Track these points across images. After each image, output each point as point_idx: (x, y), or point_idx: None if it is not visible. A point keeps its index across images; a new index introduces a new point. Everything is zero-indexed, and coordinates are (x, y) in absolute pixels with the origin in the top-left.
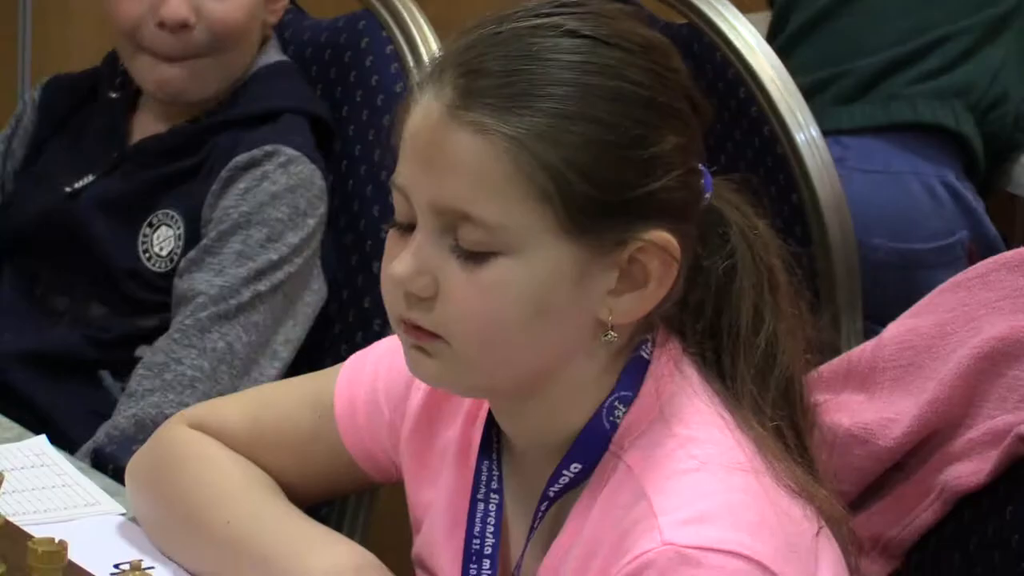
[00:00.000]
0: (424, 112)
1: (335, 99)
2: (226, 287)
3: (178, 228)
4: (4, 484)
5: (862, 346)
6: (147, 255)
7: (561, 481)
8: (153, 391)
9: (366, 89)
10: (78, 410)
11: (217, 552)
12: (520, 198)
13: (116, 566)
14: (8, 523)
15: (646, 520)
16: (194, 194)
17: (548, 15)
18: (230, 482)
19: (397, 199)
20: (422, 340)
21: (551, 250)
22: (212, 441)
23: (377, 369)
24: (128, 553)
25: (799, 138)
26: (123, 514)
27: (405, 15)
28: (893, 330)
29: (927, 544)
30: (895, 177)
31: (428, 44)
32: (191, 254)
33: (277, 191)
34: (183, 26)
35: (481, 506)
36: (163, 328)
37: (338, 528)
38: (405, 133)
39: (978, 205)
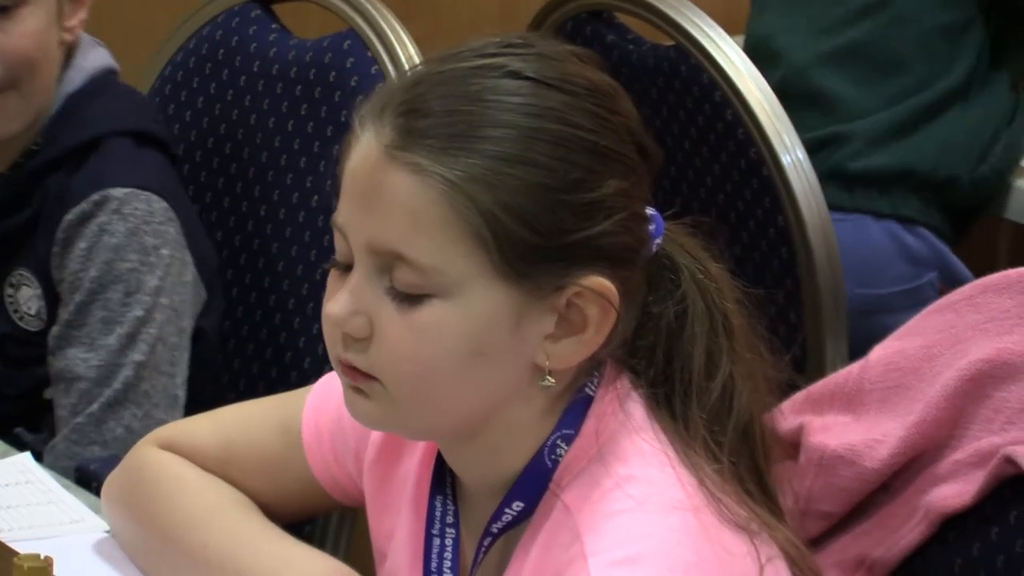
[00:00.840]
0: (364, 151)
1: (320, 118)
2: (103, 366)
3: (37, 288)
4: None
5: (848, 368)
6: (18, 316)
7: (504, 519)
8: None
9: (351, 109)
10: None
11: (192, 568)
12: (455, 240)
13: None
14: None
15: (579, 561)
16: (39, 250)
17: (493, 55)
18: (204, 503)
19: (337, 238)
20: (358, 381)
21: (486, 293)
22: (184, 462)
23: (332, 405)
24: (111, 571)
25: (785, 160)
26: (107, 531)
27: (390, 34)
28: (880, 352)
29: (912, 565)
30: (854, 222)
31: (413, 63)
32: (56, 330)
33: (119, 243)
34: None
35: (437, 541)
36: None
37: (321, 545)
38: (345, 171)
39: (944, 246)
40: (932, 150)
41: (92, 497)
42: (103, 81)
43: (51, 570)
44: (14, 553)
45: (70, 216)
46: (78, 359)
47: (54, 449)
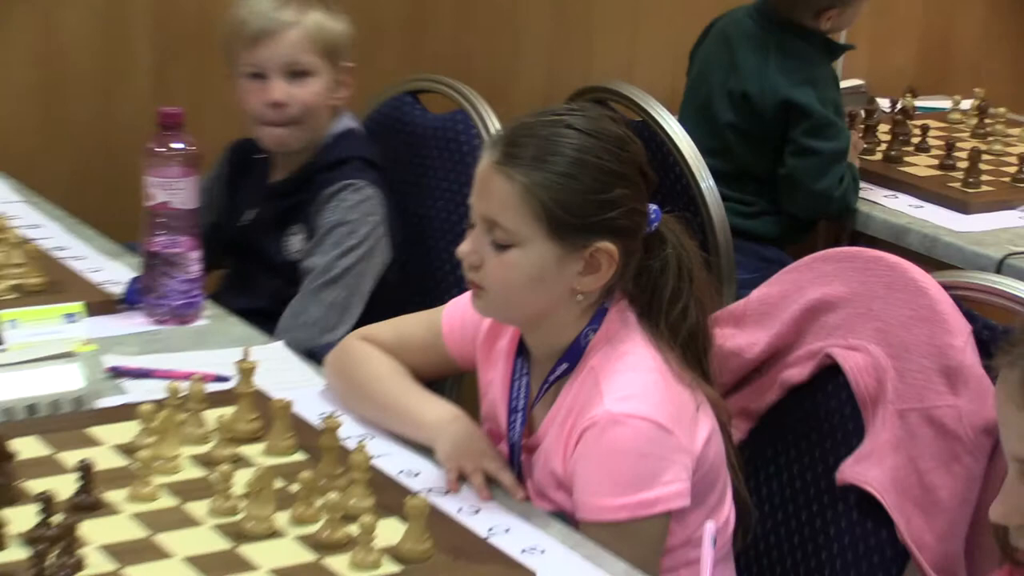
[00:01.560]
0: (484, 164)
1: (445, 159)
2: (327, 264)
3: (302, 235)
4: (255, 369)
5: (737, 303)
6: (288, 251)
7: (556, 373)
8: (290, 329)
9: (462, 153)
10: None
11: (376, 410)
12: (526, 217)
13: (320, 415)
14: (258, 392)
15: (597, 398)
16: (307, 215)
17: (558, 114)
18: (382, 371)
19: (471, 211)
20: (475, 289)
21: (542, 247)
22: (372, 347)
23: (464, 307)
24: (327, 408)
25: (704, 186)
26: (325, 386)
27: (482, 111)
28: (755, 293)
29: (768, 413)
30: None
31: (496, 127)
32: (307, 247)
33: (349, 206)
34: (281, 105)
35: (516, 384)
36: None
37: (444, 395)
38: (475, 175)
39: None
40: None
41: (317, 365)
42: (350, 131)
43: (290, 405)
44: (268, 399)
45: (329, 189)
46: (313, 261)
47: (291, 302)
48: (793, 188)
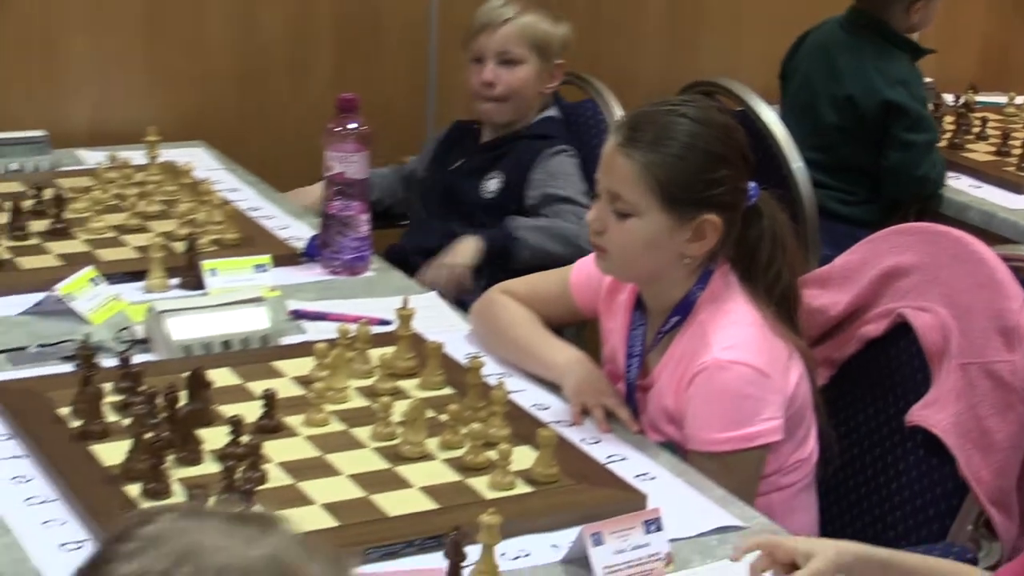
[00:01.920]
0: (609, 144)
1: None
2: (548, 197)
3: (500, 180)
4: (412, 316)
5: (823, 268)
6: (484, 193)
7: (669, 324)
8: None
9: (592, 134)
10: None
11: (513, 352)
12: (643, 192)
13: (466, 355)
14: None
15: (706, 347)
16: (506, 166)
17: (674, 105)
18: (518, 318)
19: (598, 183)
20: (599, 251)
21: (656, 217)
22: (511, 299)
23: (590, 265)
24: (471, 350)
25: (795, 167)
26: (470, 331)
27: (611, 103)
28: (838, 260)
29: (848, 363)
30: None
31: (619, 113)
32: (539, 199)
33: (559, 159)
34: (491, 84)
35: (635, 333)
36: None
37: (567, 341)
38: (602, 153)
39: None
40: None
41: (464, 314)
42: (553, 118)
43: (441, 346)
44: (423, 340)
45: (548, 151)
46: (552, 192)
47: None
48: (896, 177)
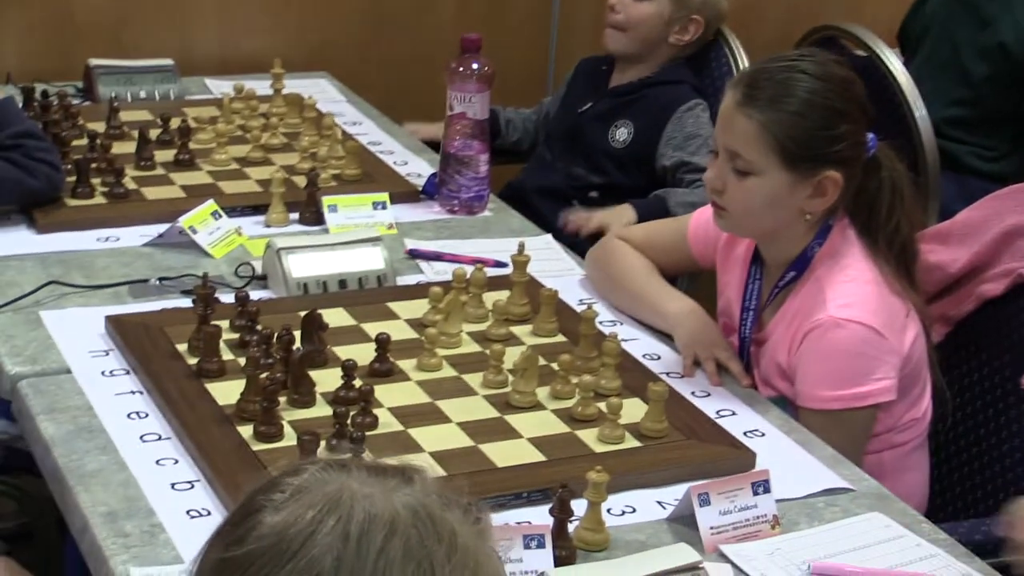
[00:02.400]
0: (726, 102)
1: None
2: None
3: (629, 130)
4: (528, 259)
5: (943, 223)
6: (612, 141)
7: (786, 279)
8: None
9: (713, 83)
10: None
11: (626, 299)
12: (764, 150)
13: (580, 301)
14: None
15: (822, 304)
16: (635, 114)
17: (791, 60)
18: (634, 265)
19: (715, 141)
20: (718, 209)
21: (777, 175)
22: (627, 245)
23: (708, 216)
24: (584, 295)
25: (918, 115)
26: (584, 275)
27: (736, 50)
28: (960, 216)
29: (964, 321)
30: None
31: (746, 65)
32: (675, 164)
33: (705, 121)
34: (615, 9)
35: (751, 286)
36: (609, 182)
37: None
38: (720, 110)
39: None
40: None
41: (579, 259)
42: (683, 64)
43: (555, 295)
44: (538, 286)
45: (684, 105)
46: (679, 156)
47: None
48: None
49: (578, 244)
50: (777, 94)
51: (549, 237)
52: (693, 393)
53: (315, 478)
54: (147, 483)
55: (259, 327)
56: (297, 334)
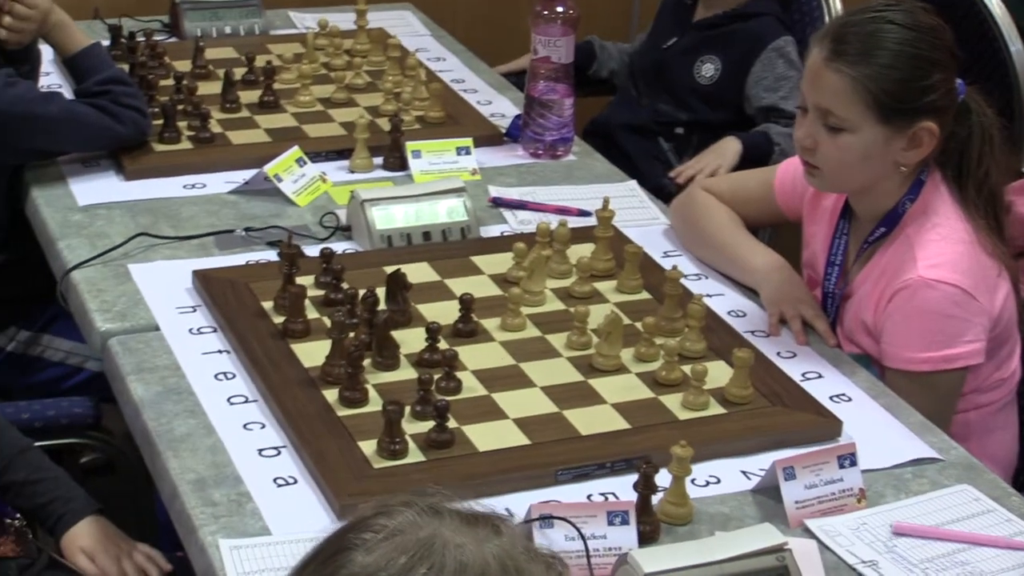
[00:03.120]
0: (813, 57)
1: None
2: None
3: (716, 66)
4: (611, 203)
5: None
6: (698, 77)
7: (875, 235)
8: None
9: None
10: (647, 156)
11: (711, 252)
12: (857, 106)
13: (664, 253)
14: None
15: (911, 263)
16: (724, 55)
17: (879, 10)
18: (720, 218)
19: (802, 96)
20: (809, 168)
21: (872, 130)
22: (712, 197)
23: (796, 167)
24: (669, 248)
25: (1013, 49)
26: (668, 225)
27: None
28: None
29: None
30: None
31: (838, 13)
32: (766, 106)
33: (790, 55)
34: None
35: (837, 241)
36: (695, 119)
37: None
38: (806, 65)
39: None
40: None
41: (663, 207)
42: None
43: (640, 253)
44: (623, 240)
45: (774, 44)
46: (772, 98)
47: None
48: None
49: (665, 187)
50: (866, 47)
51: (634, 184)
52: (779, 354)
53: (408, 521)
54: (235, 449)
55: (344, 286)
56: (381, 293)
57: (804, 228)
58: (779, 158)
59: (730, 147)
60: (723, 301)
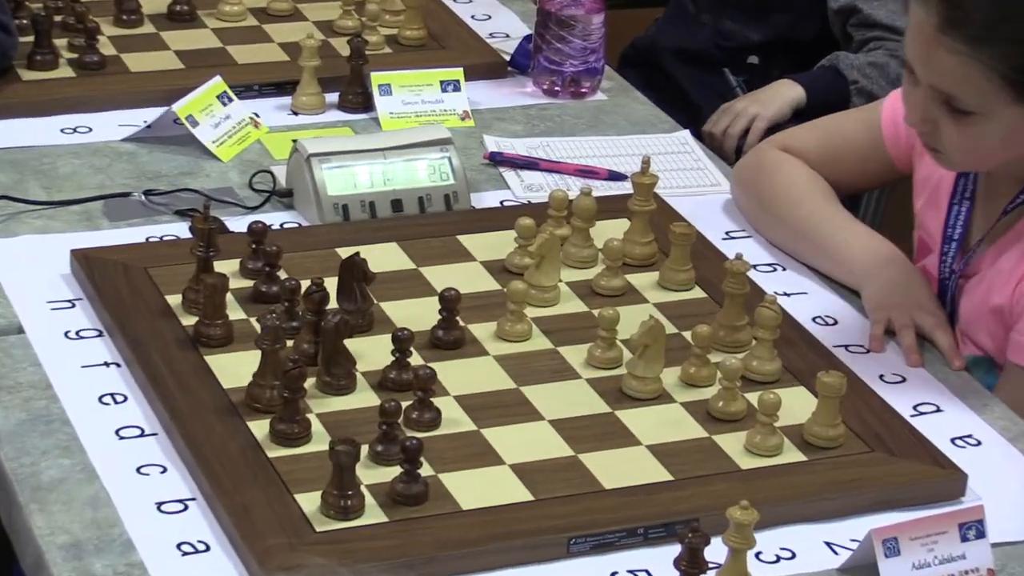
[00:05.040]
0: (918, 18)
1: None
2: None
3: None
4: (652, 164)
5: None
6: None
7: (1016, 202)
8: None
9: None
10: (709, 94)
11: (789, 235)
12: (984, 89)
13: (724, 234)
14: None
15: None
16: None
17: None
18: (801, 189)
19: (906, 53)
20: (932, 151)
21: (1007, 112)
22: (792, 158)
23: (900, 103)
24: (732, 227)
25: None
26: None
27: None
28: None
29: None
30: None
31: None
32: (847, 7)
33: None
34: None
35: (956, 208)
36: (777, 40)
37: (867, 214)
38: (910, 23)
39: None
40: None
41: (727, 168)
42: None
43: (693, 235)
44: (668, 214)
45: None
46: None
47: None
48: None
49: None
50: (992, 17)
51: (686, 135)
52: (882, 377)
53: None
54: (125, 502)
55: (281, 275)
56: (332, 286)
57: (915, 172)
58: (858, 100)
59: (781, 92)
60: (806, 303)
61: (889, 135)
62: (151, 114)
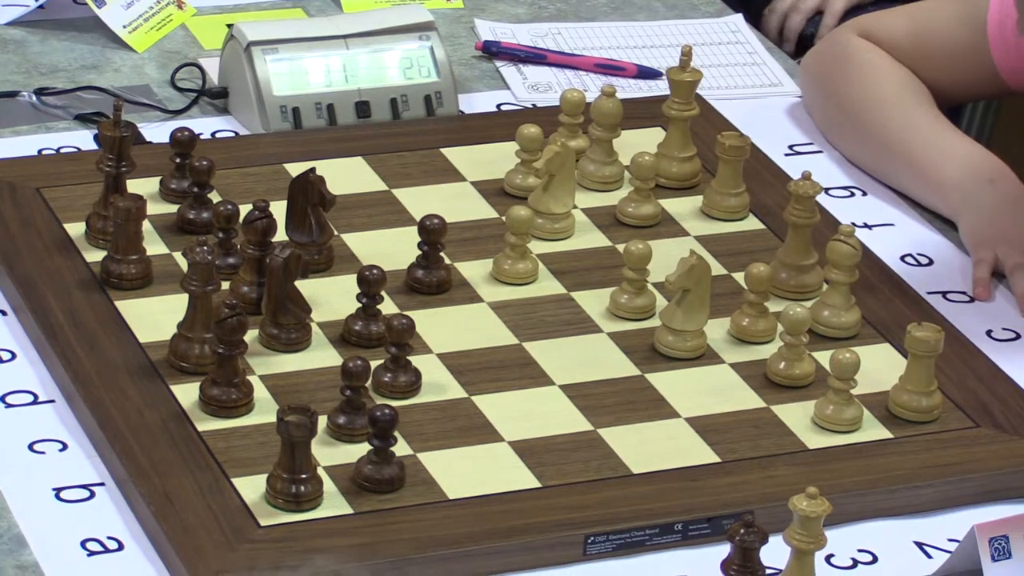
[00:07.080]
0: None
1: None
2: None
3: None
4: (695, 58)
5: None
6: None
7: None
8: None
9: None
10: None
11: (872, 148)
12: None
13: (788, 147)
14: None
15: None
16: None
17: None
18: (888, 89)
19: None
20: None
21: None
22: (876, 49)
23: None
24: (798, 138)
25: None
26: (799, 97)
27: None
28: None
29: None
30: None
31: None
32: None
33: None
34: None
35: None
36: None
37: (971, 128)
38: None
39: None
40: None
41: (791, 62)
42: None
43: (747, 148)
44: (711, 120)
45: None
46: None
47: None
48: None
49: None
50: None
51: (739, 19)
52: (989, 333)
53: None
54: (13, 487)
55: (213, 197)
56: (280, 211)
57: None
58: None
59: None
60: (893, 236)
61: (996, 40)
62: None
